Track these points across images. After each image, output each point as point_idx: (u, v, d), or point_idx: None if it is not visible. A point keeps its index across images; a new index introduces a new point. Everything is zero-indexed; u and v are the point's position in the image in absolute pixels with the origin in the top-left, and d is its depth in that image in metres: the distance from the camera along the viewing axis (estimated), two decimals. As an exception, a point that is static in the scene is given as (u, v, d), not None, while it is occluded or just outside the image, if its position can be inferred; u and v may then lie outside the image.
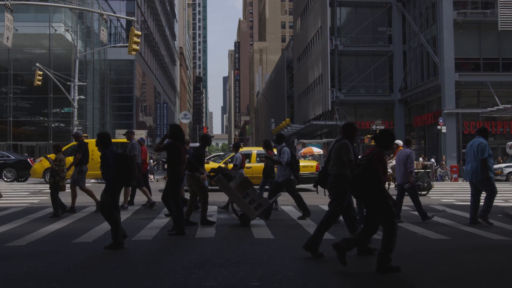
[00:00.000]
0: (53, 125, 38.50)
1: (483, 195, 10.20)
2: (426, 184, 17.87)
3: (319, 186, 7.32)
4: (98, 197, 12.85)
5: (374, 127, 36.87)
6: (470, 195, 10.40)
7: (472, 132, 35.68)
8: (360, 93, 45.38)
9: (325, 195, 7.26)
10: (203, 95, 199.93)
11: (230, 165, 17.99)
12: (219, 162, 18.54)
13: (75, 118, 31.80)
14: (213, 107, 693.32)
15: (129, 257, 7.03)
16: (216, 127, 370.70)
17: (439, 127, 33.28)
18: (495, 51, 36.77)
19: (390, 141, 6.19)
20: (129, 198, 13.19)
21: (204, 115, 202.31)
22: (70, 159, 22.55)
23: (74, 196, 12.25)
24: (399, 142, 18.82)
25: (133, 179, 7.60)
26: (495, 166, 26.89)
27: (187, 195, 12.72)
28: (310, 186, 21.45)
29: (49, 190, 11.45)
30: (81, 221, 10.58)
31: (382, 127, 36.20)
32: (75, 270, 6.32)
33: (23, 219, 10.78)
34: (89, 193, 12.29)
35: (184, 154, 9.15)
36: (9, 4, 19.36)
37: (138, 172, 12.86)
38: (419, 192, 17.83)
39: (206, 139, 10.73)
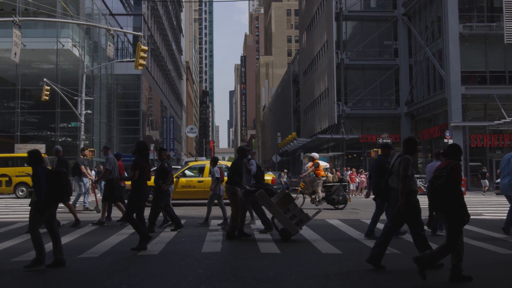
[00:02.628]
0: (60, 140, 38.59)
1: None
2: (341, 198, 17.63)
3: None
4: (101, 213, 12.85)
5: (380, 140, 36.73)
6: (508, 207, 10.52)
7: (479, 146, 35.61)
8: (366, 106, 45.34)
9: (385, 211, 7.40)
10: (210, 109, 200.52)
11: (195, 179, 17.85)
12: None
13: (82, 133, 31.91)
14: (219, 121, 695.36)
15: (135, 272, 7.00)
16: (223, 141, 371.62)
17: (446, 140, 33.15)
18: (501, 64, 36.70)
19: (459, 153, 6.47)
20: (106, 214, 12.84)
21: (210, 129, 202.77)
22: None
23: (72, 210, 12.32)
24: (315, 154, 18.78)
25: (67, 195, 7.46)
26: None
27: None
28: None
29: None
30: (86, 236, 10.58)
31: (389, 141, 36.14)
32: (81, 285, 6.32)
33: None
34: (70, 208, 12.33)
35: (149, 171, 9.09)
36: (17, 20, 19.57)
37: (116, 187, 12.63)
38: (336, 206, 17.66)
39: (243, 152, 10.66)
